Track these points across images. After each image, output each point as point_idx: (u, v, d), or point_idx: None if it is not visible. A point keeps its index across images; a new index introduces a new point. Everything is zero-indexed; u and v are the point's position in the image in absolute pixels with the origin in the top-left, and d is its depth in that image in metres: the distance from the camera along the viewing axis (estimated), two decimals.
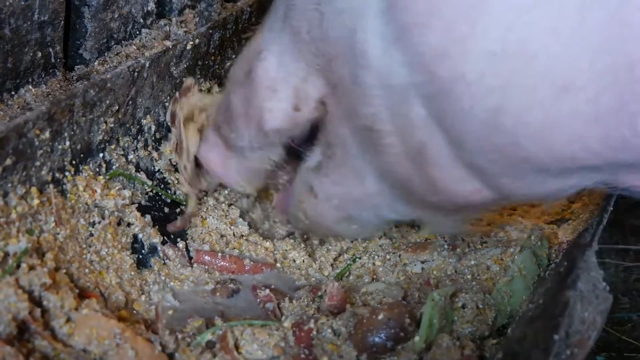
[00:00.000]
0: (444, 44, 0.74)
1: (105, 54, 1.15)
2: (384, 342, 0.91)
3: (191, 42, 1.13)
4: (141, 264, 1.03)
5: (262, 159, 1.05)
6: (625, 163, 0.75)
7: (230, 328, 0.94)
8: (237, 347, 0.93)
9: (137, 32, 1.19)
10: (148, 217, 1.05)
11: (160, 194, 1.08)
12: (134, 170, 1.05)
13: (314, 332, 0.96)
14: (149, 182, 1.06)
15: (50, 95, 1.01)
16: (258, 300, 1.05)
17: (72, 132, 0.94)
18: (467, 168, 0.83)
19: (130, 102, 1.04)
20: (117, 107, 1.01)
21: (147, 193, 1.07)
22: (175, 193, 1.11)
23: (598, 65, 0.69)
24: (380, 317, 0.92)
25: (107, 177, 0.99)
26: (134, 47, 1.16)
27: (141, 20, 1.19)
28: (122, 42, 1.17)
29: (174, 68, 1.12)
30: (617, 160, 0.75)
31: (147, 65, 1.05)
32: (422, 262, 1.12)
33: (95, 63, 1.12)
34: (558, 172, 0.78)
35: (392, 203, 0.97)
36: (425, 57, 0.76)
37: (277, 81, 0.96)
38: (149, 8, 1.20)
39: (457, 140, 0.80)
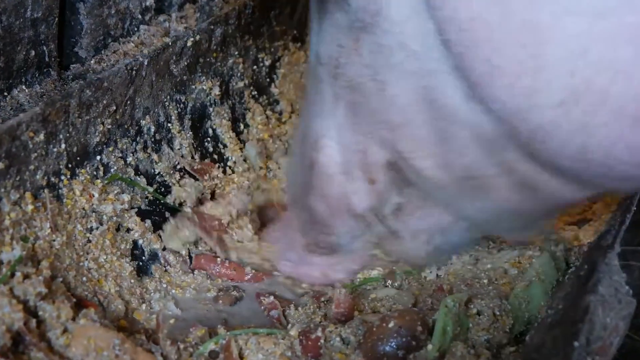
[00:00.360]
0: (513, 99, 0.75)
1: (102, 52, 1.13)
2: (394, 351, 0.89)
3: (192, 39, 1.11)
4: (141, 271, 1.01)
5: (366, 245, 1.07)
6: None
7: (234, 337, 0.93)
8: (241, 357, 0.91)
9: (135, 29, 1.17)
10: (148, 222, 1.04)
11: (159, 199, 1.06)
12: (133, 174, 1.03)
13: (322, 341, 0.94)
14: (149, 188, 1.04)
15: (44, 96, 0.99)
16: (262, 307, 1.03)
17: (67, 134, 0.93)
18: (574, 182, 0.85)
19: (129, 102, 1.02)
20: (114, 108, 1.00)
21: (147, 197, 1.05)
22: (174, 198, 1.09)
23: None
24: (391, 325, 0.90)
25: (105, 181, 0.97)
26: (132, 44, 1.14)
27: (139, 16, 1.17)
28: (120, 39, 1.15)
29: (174, 66, 1.10)
30: None
31: (146, 63, 1.04)
32: (438, 269, 1.09)
33: (92, 61, 1.10)
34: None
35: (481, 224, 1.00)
36: (501, 112, 0.78)
37: (345, 163, 0.98)
38: (148, 3, 1.18)
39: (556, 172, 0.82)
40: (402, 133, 0.91)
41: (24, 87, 0.97)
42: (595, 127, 0.73)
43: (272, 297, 1.03)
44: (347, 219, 1.03)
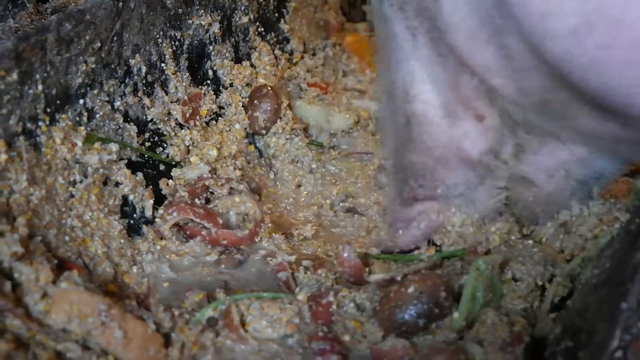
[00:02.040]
0: (529, 21, 0.76)
1: None
2: (414, 319, 0.88)
3: None
4: (132, 230, 1.00)
5: (491, 191, 1.03)
6: None
7: (234, 302, 0.92)
8: (243, 323, 0.90)
9: None
10: (140, 175, 1.02)
11: (148, 155, 1.05)
12: (121, 120, 1.02)
13: (334, 307, 0.93)
14: (134, 146, 1.02)
15: (19, 32, 0.97)
16: (269, 269, 1.02)
17: (45, 74, 0.91)
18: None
19: (115, 39, 1.00)
20: (99, 44, 0.98)
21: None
22: (167, 151, 1.08)
23: None
24: (411, 290, 0.89)
25: (83, 145, 0.95)
26: None
27: None
28: None
29: None
30: None
31: None
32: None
33: None
34: None
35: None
36: (525, 35, 0.79)
37: (445, 104, 0.96)
38: None
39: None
40: (472, 52, 0.89)
41: None
42: (610, 63, 0.72)
43: (280, 258, 1.02)
44: (463, 169, 1.01)
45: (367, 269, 1.01)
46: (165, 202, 1.03)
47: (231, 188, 1.06)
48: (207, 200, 1.05)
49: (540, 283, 0.92)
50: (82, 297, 0.83)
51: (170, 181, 1.05)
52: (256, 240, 1.04)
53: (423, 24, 0.93)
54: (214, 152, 1.09)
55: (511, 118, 0.95)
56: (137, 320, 0.85)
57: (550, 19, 0.74)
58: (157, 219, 1.02)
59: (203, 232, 1.03)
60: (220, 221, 1.02)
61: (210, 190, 1.06)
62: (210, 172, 1.07)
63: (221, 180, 1.06)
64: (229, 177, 1.07)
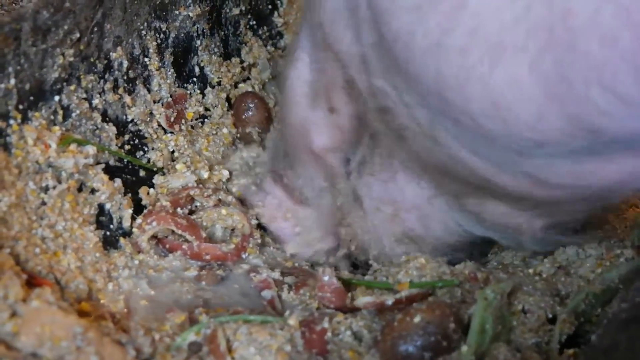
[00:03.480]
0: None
1: None
2: (420, 352, 0.87)
3: None
4: (108, 243, 0.99)
5: (329, 204, 1.04)
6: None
7: (220, 325, 0.91)
8: (229, 349, 0.90)
9: None
10: (118, 182, 1.02)
11: (128, 160, 1.04)
12: (99, 120, 1.01)
13: (329, 334, 0.93)
14: (113, 150, 1.02)
15: None
16: (252, 285, 1.02)
17: (18, 67, 0.90)
18: (481, 158, 0.82)
19: (96, 29, 0.99)
20: (78, 35, 0.97)
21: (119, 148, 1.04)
22: (149, 155, 1.07)
23: (534, 13, 0.67)
24: (417, 319, 0.88)
25: (58, 147, 0.94)
26: None
27: None
28: None
29: None
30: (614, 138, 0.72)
31: None
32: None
33: None
34: (570, 153, 0.76)
35: (450, 211, 0.97)
36: (374, 14, 0.78)
37: (312, 84, 0.96)
38: None
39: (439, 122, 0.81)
40: (334, 32, 0.89)
41: None
42: (448, 47, 0.72)
43: (265, 274, 1.02)
44: (308, 160, 1.02)
45: (349, 294, 1.01)
46: (145, 210, 1.02)
47: (219, 199, 1.05)
48: (191, 212, 1.04)
49: (550, 316, 0.92)
50: (56, 318, 0.81)
51: (152, 189, 1.04)
52: (243, 256, 1.04)
53: None
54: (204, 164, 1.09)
55: (365, 123, 0.95)
56: (115, 345, 0.84)
57: None
58: (134, 229, 1.01)
59: (184, 246, 1.02)
60: (204, 234, 1.02)
61: (196, 201, 1.05)
62: (196, 181, 1.06)
63: (207, 190, 1.05)
64: (216, 188, 1.06)
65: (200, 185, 1.07)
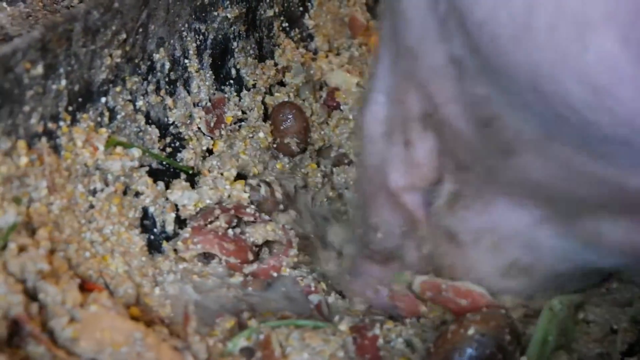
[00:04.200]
0: None
1: None
2: None
3: None
4: (152, 247, 0.99)
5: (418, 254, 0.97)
6: None
7: (272, 330, 0.92)
8: (282, 355, 0.90)
9: None
10: (161, 185, 1.02)
11: (167, 163, 1.05)
12: (143, 122, 1.01)
13: (381, 341, 0.93)
14: (155, 153, 1.02)
15: (30, 17, 0.96)
16: (299, 290, 1.02)
17: (69, 68, 0.90)
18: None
19: (141, 30, 0.99)
20: (124, 36, 0.97)
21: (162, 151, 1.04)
22: (182, 155, 1.07)
23: None
24: (471, 331, 0.88)
25: (105, 147, 0.94)
26: None
27: None
28: None
29: None
30: None
31: None
32: None
33: None
34: None
35: (560, 239, 0.88)
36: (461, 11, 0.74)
37: (388, 120, 0.91)
38: None
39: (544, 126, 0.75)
40: (422, 63, 0.83)
41: (4, 4, 0.95)
42: (536, 29, 0.66)
43: (311, 277, 1.02)
44: (387, 204, 0.95)
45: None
46: (193, 224, 1.02)
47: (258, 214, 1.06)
48: (237, 225, 1.05)
49: (615, 327, 0.93)
50: (115, 323, 0.82)
51: (195, 194, 1.04)
52: (283, 266, 1.04)
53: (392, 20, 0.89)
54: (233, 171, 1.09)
55: (451, 156, 0.90)
56: (174, 351, 0.84)
57: None
58: (179, 243, 1.00)
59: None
60: (251, 257, 1.02)
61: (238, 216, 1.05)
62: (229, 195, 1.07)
63: (250, 208, 1.06)
64: (257, 210, 1.07)
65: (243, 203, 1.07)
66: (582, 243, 0.86)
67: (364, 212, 0.99)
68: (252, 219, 1.05)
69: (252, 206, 1.07)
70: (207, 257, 1.02)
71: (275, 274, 1.02)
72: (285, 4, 1.29)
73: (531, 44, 0.67)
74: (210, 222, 1.02)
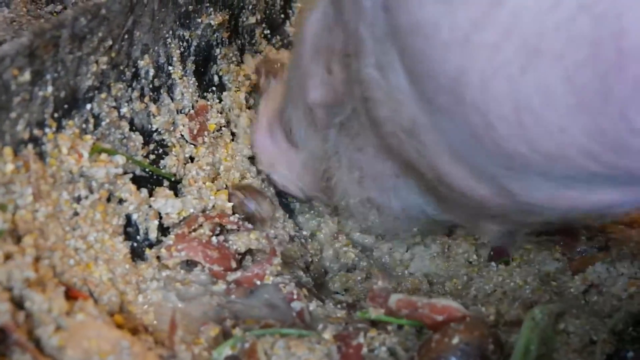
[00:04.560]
0: None
1: None
2: None
3: None
4: (136, 254, 1.00)
5: (316, 149, 1.10)
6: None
7: (257, 339, 0.92)
8: None
9: None
10: (145, 192, 1.02)
11: (149, 170, 1.05)
12: (127, 129, 1.01)
13: (365, 349, 0.94)
14: (138, 161, 1.02)
15: (15, 23, 0.96)
16: (281, 297, 1.03)
17: (55, 74, 0.90)
18: (464, 163, 0.84)
19: (126, 36, 1.00)
20: (110, 43, 0.97)
21: (145, 158, 1.04)
22: (165, 161, 1.08)
23: (578, 24, 0.67)
24: (455, 340, 0.89)
25: (89, 154, 0.95)
26: None
27: None
28: None
29: None
30: (624, 168, 0.73)
31: None
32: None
33: None
34: (564, 178, 0.77)
35: (411, 193, 1.02)
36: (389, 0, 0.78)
37: (318, 38, 1.00)
38: None
39: (435, 119, 0.81)
40: (345, 18, 0.91)
41: None
42: (478, 46, 0.71)
43: (293, 284, 1.03)
44: (301, 107, 1.09)
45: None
46: (177, 231, 1.03)
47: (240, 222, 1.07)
48: (221, 233, 1.05)
49: (594, 338, 0.95)
50: (102, 332, 0.82)
51: (179, 202, 1.05)
52: (266, 274, 1.05)
53: None
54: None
55: (353, 94, 0.99)
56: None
57: None
58: (163, 250, 1.01)
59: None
60: (234, 264, 1.03)
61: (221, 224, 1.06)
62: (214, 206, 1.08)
63: (234, 217, 1.07)
64: (242, 218, 1.08)
65: (221, 211, 1.08)
66: (427, 202, 1.03)
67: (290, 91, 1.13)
68: (235, 227, 1.05)
69: (236, 214, 1.07)
70: (189, 264, 1.03)
71: (258, 282, 1.03)
72: (267, 12, 1.30)
73: (467, 56, 0.72)
74: (194, 230, 1.03)
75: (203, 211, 1.06)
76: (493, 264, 1.12)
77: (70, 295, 0.88)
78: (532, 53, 0.69)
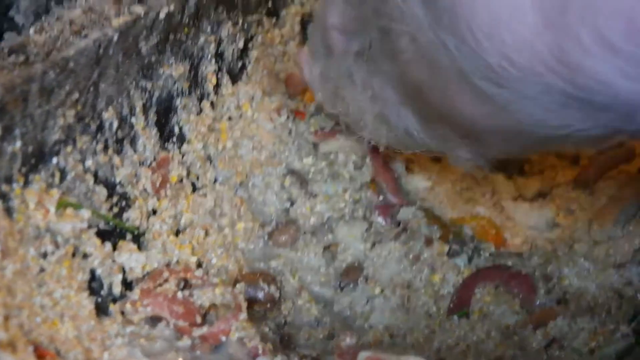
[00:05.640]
0: None
1: (43, 18, 1.12)
2: None
3: (165, 9, 1.11)
4: (100, 309, 1.00)
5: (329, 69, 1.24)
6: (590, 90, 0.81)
7: None
8: None
9: None
10: (108, 246, 1.03)
11: (113, 223, 1.06)
12: (92, 182, 1.02)
13: None
14: (103, 214, 1.03)
15: None
16: (245, 352, 1.05)
17: (24, 129, 0.91)
18: (468, 82, 0.91)
19: (92, 89, 1.01)
20: (77, 96, 0.98)
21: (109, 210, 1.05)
22: (128, 214, 1.09)
23: None
24: None
25: (56, 208, 0.95)
26: (79, 9, 1.13)
27: None
28: (64, 2, 1.14)
29: (144, 43, 1.10)
30: (583, 87, 0.80)
31: (115, 38, 1.03)
32: None
33: (31, 30, 1.09)
34: (542, 97, 0.84)
35: (411, 117, 1.12)
36: None
37: None
38: None
39: (445, 39, 0.89)
40: None
41: None
42: None
43: (258, 339, 1.04)
44: (321, 28, 1.22)
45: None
46: (142, 286, 1.03)
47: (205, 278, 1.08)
48: (185, 287, 1.07)
49: None
50: None
51: (143, 256, 1.06)
52: (232, 330, 1.06)
53: None
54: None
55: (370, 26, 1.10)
56: None
57: None
58: (128, 305, 1.02)
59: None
60: (199, 319, 1.04)
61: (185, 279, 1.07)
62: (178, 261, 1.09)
63: (199, 271, 1.08)
64: (205, 273, 1.09)
65: (185, 267, 1.09)
66: (420, 126, 1.13)
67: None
68: (200, 281, 1.07)
69: (200, 269, 1.09)
70: (153, 319, 1.04)
71: (224, 338, 1.04)
72: (227, 61, 1.32)
73: None
74: (160, 285, 1.04)
75: (167, 265, 1.07)
76: (455, 317, 1.15)
77: (38, 354, 0.88)
78: None
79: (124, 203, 1.09)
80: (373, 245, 1.26)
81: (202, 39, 1.24)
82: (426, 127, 1.12)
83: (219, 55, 1.30)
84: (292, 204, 1.32)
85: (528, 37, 0.79)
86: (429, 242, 1.25)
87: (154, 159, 1.14)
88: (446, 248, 1.25)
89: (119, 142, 1.08)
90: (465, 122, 0.99)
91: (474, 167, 1.13)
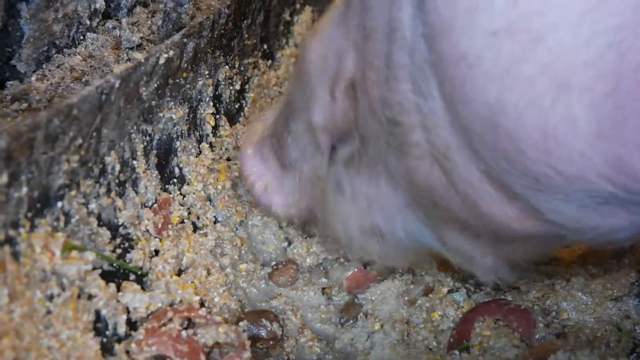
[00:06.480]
0: (451, 14, 0.83)
1: (44, 66, 1.16)
2: None
3: (165, 55, 1.15)
4: (105, 349, 1.03)
5: (313, 171, 1.16)
6: None
7: None
8: None
9: (81, 38, 1.21)
10: (112, 287, 1.06)
11: (117, 264, 1.09)
12: (95, 225, 1.06)
13: None
14: (108, 257, 1.07)
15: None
16: None
17: (30, 175, 0.95)
18: (495, 184, 0.91)
19: (94, 134, 1.05)
20: (80, 141, 1.02)
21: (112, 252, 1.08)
22: (131, 255, 1.12)
23: (605, 60, 0.77)
24: None
25: (61, 252, 0.99)
26: (79, 57, 1.18)
27: (87, 22, 1.21)
28: (64, 50, 1.18)
29: (144, 88, 1.14)
30: (637, 191, 0.82)
31: (117, 85, 1.07)
32: None
33: (33, 78, 1.14)
34: (584, 199, 0.85)
35: (417, 222, 1.09)
36: (434, 30, 0.86)
37: (324, 61, 1.07)
38: (97, 5, 1.22)
39: (469, 141, 0.89)
40: (366, 46, 0.98)
41: None
42: (515, 79, 0.80)
43: None
44: (303, 124, 1.14)
45: None
46: (147, 325, 1.06)
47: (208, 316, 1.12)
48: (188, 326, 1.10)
49: None
50: None
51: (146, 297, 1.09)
52: None
53: None
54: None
55: (357, 125, 1.07)
56: None
57: (477, 13, 0.81)
58: (133, 345, 1.05)
59: None
60: (203, 358, 1.07)
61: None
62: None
63: (202, 310, 1.11)
64: (209, 311, 1.13)
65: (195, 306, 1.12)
66: (430, 235, 1.10)
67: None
68: (203, 320, 1.10)
69: (203, 308, 1.12)
70: (158, 359, 1.06)
71: None
72: (224, 103, 1.36)
73: (506, 87, 0.81)
74: (164, 324, 1.07)
75: (171, 305, 1.10)
76: (456, 352, 1.18)
77: None
78: (563, 87, 0.78)
79: (127, 244, 1.12)
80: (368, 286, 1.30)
81: (200, 83, 1.29)
82: (436, 230, 1.09)
83: (216, 98, 1.34)
84: (289, 243, 1.35)
85: (581, 148, 0.80)
86: (428, 290, 1.29)
87: (156, 201, 1.18)
88: (445, 290, 1.28)
89: (121, 184, 1.12)
90: (490, 227, 0.97)
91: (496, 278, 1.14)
